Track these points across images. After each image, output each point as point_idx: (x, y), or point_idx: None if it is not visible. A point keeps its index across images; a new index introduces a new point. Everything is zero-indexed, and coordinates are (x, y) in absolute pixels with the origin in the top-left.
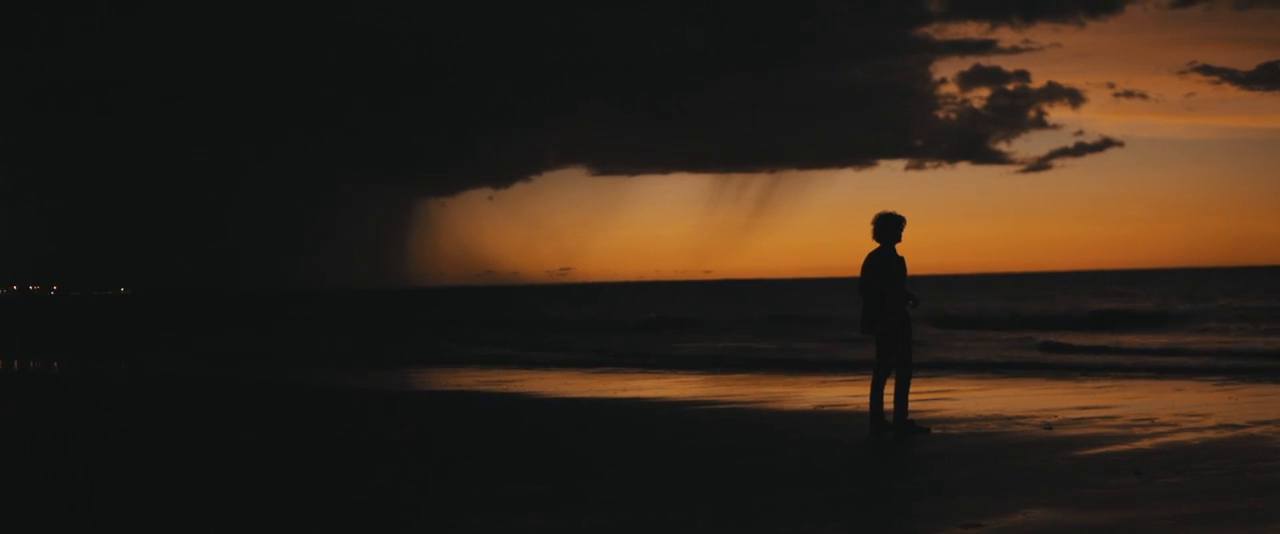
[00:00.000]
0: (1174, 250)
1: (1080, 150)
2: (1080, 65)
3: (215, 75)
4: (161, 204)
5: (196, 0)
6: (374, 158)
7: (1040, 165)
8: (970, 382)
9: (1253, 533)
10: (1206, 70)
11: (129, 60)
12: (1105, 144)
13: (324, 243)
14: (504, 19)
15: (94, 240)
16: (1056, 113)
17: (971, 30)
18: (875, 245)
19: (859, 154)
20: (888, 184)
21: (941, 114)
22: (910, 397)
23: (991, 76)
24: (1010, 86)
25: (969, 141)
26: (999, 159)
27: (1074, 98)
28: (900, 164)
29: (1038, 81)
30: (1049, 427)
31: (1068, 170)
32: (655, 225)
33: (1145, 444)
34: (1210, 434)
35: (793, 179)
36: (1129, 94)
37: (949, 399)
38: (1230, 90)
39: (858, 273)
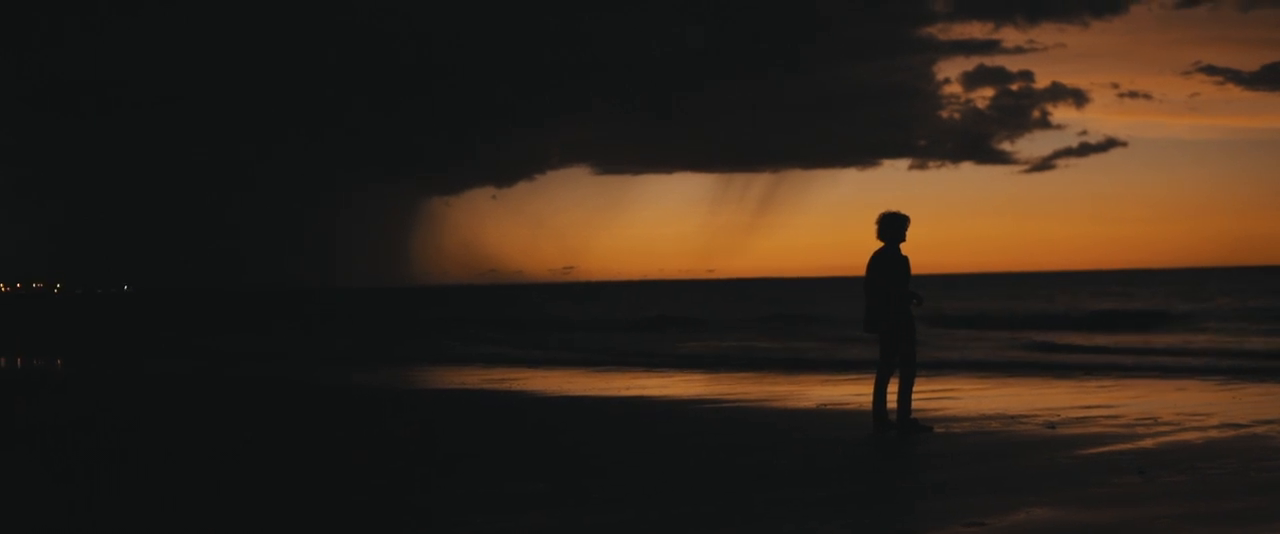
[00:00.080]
0: (1177, 250)
1: (1084, 150)
2: (1084, 65)
3: (215, 75)
4: (162, 204)
5: (196, 0)
6: (374, 158)
7: (1044, 165)
8: (973, 381)
9: (1256, 532)
10: (1211, 71)
11: (129, 60)
12: (1109, 144)
13: (325, 242)
14: (504, 19)
15: (95, 239)
16: (1060, 113)
17: (976, 30)
18: (879, 245)
19: (862, 153)
20: (891, 184)
21: (945, 114)
22: (913, 395)
23: (995, 76)
24: (1014, 86)
25: (973, 141)
26: (1003, 159)
27: (1078, 98)
28: (904, 164)
29: (1042, 81)
30: (1052, 426)
31: (1072, 170)
32: (658, 224)
33: (1148, 443)
34: (1213, 433)
35: (796, 178)
36: (1133, 94)
37: (952, 398)
38: (1234, 91)
39: (862, 272)
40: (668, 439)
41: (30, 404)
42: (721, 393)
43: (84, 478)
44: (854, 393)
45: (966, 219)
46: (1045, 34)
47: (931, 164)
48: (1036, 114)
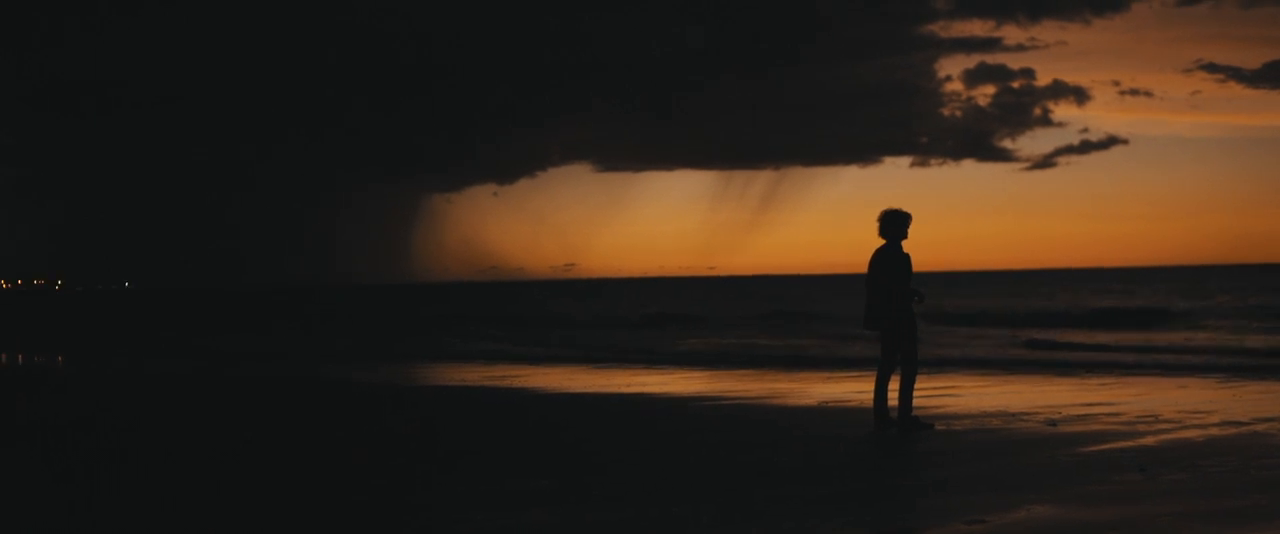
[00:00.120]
0: (1178, 248)
1: (1085, 148)
2: (1086, 63)
3: (215, 75)
4: (162, 203)
5: (196, 0)
6: (374, 158)
7: (1045, 163)
8: (974, 378)
9: (1257, 530)
10: (1212, 68)
11: (129, 60)
12: (1110, 142)
13: (325, 241)
14: (504, 19)
15: (95, 238)
16: (1062, 110)
17: (977, 28)
18: (881, 242)
19: (864, 151)
20: (893, 181)
21: (947, 111)
22: (914, 393)
23: (997, 74)
24: (1015, 84)
25: (974, 139)
26: (1004, 156)
27: (1079, 95)
28: (905, 161)
29: (1043, 79)
30: (1053, 423)
31: (1073, 168)
32: (660, 221)
33: (1149, 441)
34: (1214, 431)
35: (797, 176)
36: (1134, 92)
37: (953, 395)
38: (1236, 88)
39: (863, 270)
40: (668, 436)
41: (31, 402)
42: (722, 390)
43: (84, 477)
44: (855, 390)
45: (968, 217)
46: (1047, 31)
47: (933, 162)
48: (1038, 112)
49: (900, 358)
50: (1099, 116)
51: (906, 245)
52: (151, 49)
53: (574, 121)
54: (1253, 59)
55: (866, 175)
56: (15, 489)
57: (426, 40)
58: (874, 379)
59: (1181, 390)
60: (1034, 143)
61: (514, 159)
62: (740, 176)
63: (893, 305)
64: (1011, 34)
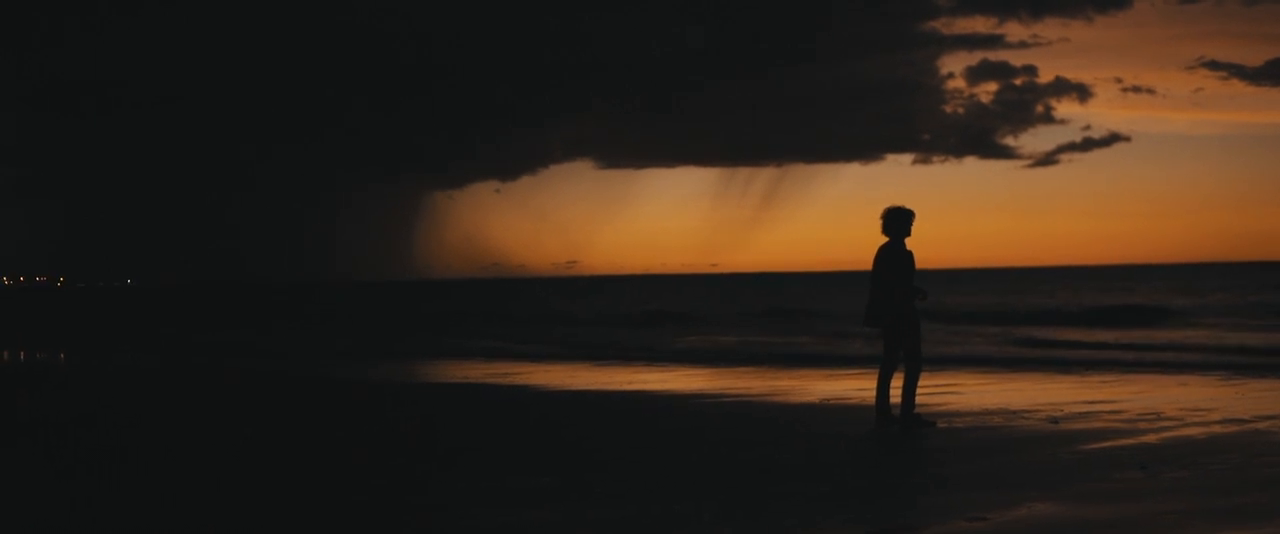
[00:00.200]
0: (1180, 246)
1: (1088, 145)
2: (1088, 60)
3: (215, 75)
4: (163, 203)
5: (196, 0)
6: (374, 157)
7: (1047, 160)
8: (975, 376)
9: (1259, 527)
10: (1214, 66)
11: (129, 60)
12: (1113, 139)
13: (326, 238)
14: (504, 19)
15: (96, 237)
16: (1064, 108)
17: (979, 25)
18: (883, 240)
19: (866, 148)
20: (895, 178)
21: (949, 109)
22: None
23: (999, 71)
24: (1018, 81)
25: (976, 136)
26: (1006, 154)
27: (1081, 93)
28: (907, 158)
29: (1045, 76)
30: (1054, 421)
31: (1075, 165)
32: (662, 219)
33: (1150, 439)
34: (1216, 429)
35: (799, 173)
36: (1136, 89)
37: (954, 393)
38: (1238, 86)
39: (865, 267)
40: (670, 434)
41: (32, 399)
42: (723, 388)
43: (85, 474)
44: (856, 388)
45: (970, 214)
46: (1049, 29)
47: (935, 159)
48: (1040, 109)
49: (903, 355)
50: (1101, 114)
51: (909, 243)
52: (151, 49)
53: (573, 121)
54: (1255, 56)
55: (868, 173)
56: (16, 486)
57: (426, 40)
58: (876, 376)
59: (1183, 388)
60: (1036, 140)
61: (515, 156)
62: (742, 174)
63: (895, 303)
64: (1014, 31)
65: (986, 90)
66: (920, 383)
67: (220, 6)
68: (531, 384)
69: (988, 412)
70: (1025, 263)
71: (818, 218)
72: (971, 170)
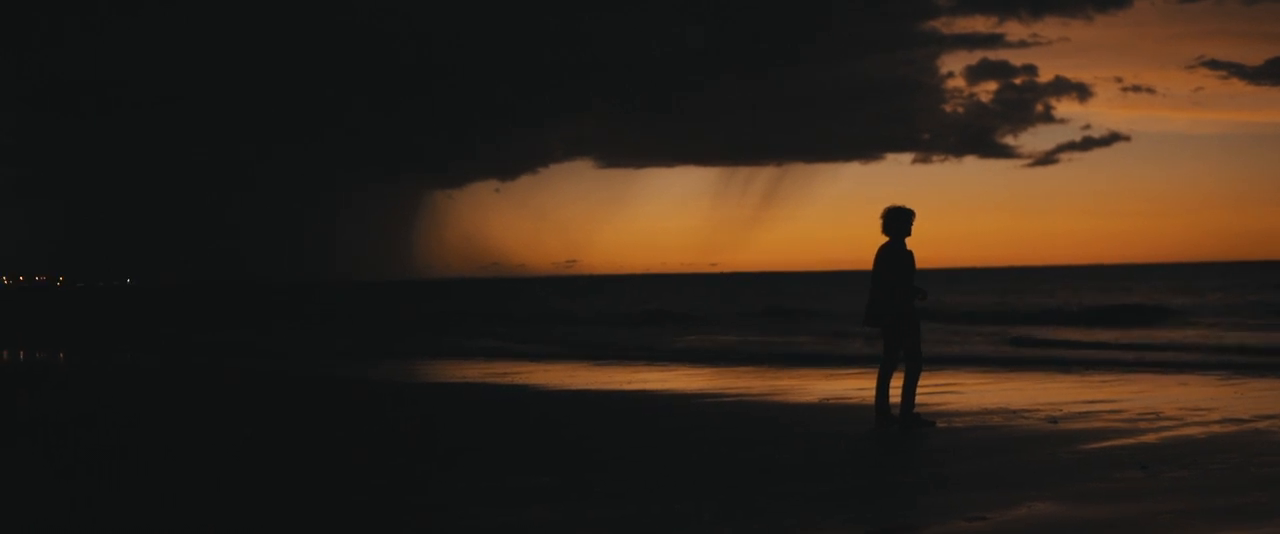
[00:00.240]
0: (1181, 245)
1: (1087, 144)
2: (1088, 59)
3: (215, 75)
4: (163, 203)
5: (196, 0)
6: (374, 157)
7: (1047, 159)
8: (975, 375)
9: (1258, 527)
10: (1214, 65)
11: (129, 60)
12: (1113, 138)
13: (326, 238)
14: (504, 19)
15: (96, 237)
16: (1064, 107)
17: (979, 24)
18: (883, 239)
19: (866, 147)
20: (894, 178)
21: (949, 108)
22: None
23: (999, 70)
24: (1017, 80)
25: (976, 135)
26: (1006, 153)
27: (1081, 92)
28: (907, 158)
29: (1045, 75)
30: (1054, 421)
31: (1075, 164)
32: (661, 218)
33: (1150, 438)
34: (1215, 428)
35: (799, 172)
36: (1136, 88)
37: (954, 393)
38: (1238, 85)
39: (864, 267)
40: (670, 434)
41: (32, 399)
42: (723, 387)
43: (85, 474)
44: (855, 387)
45: (970, 213)
46: (1049, 28)
47: (935, 158)
48: (1040, 108)
49: (903, 355)
50: (1101, 113)
51: (910, 242)
52: (151, 49)
53: (573, 121)
54: (1255, 55)
55: (868, 172)
56: (16, 486)
57: (426, 40)
58: (875, 376)
59: (1183, 388)
60: (1036, 139)
61: (515, 156)
62: (742, 173)
63: (895, 302)
64: (1014, 30)
65: (986, 89)
66: (920, 383)
67: (220, 6)
68: (531, 384)
69: (987, 411)
70: (1025, 262)
71: (817, 217)
72: (971, 170)
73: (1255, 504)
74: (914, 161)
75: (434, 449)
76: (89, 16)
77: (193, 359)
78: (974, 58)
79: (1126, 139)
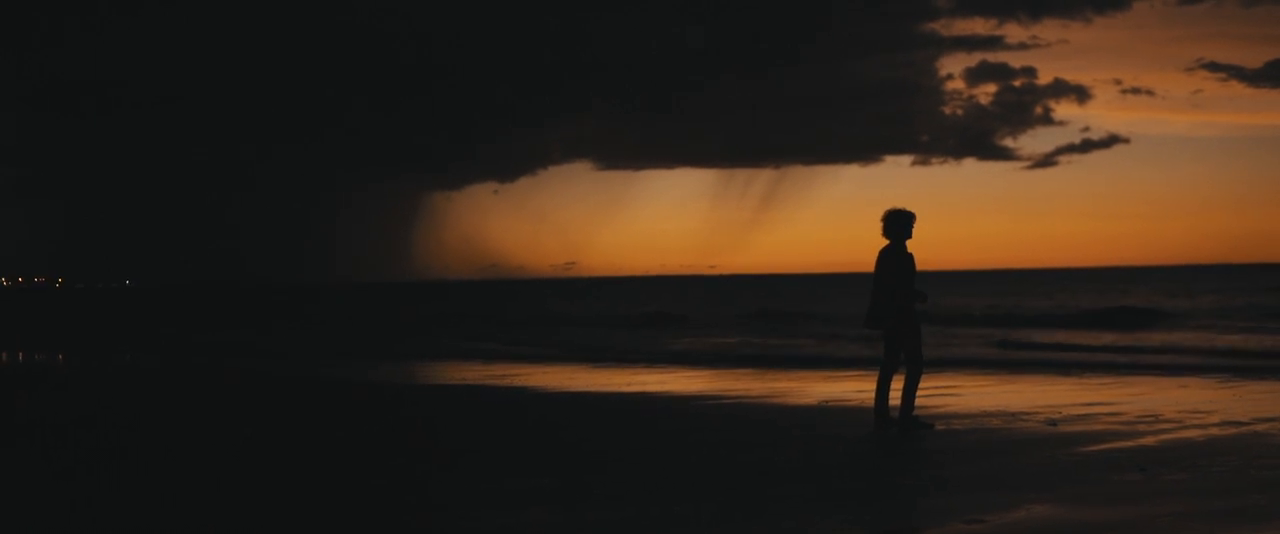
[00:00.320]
0: (1180, 247)
1: (1087, 147)
2: (1087, 61)
3: (215, 75)
4: (162, 203)
5: (196, 0)
6: (374, 157)
7: (1046, 162)
8: (973, 378)
9: (1257, 530)
10: (1213, 67)
11: (129, 60)
12: (1112, 140)
13: (326, 239)
14: (504, 19)
15: (96, 237)
16: (1063, 109)
17: (978, 26)
18: (884, 242)
19: (865, 150)
20: (894, 180)
21: (948, 110)
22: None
23: (998, 72)
24: (1017, 83)
25: (975, 138)
26: (1005, 155)
27: (1081, 94)
28: (906, 160)
29: (1044, 78)
30: (1053, 423)
31: (1074, 167)
32: (660, 220)
33: (1149, 441)
34: (1214, 431)
35: (798, 174)
36: (1136, 91)
37: (953, 395)
38: (1237, 87)
39: (862, 269)
40: (669, 435)
41: (31, 400)
42: (722, 389)
43: (85, 475)
44: (854, 389)
45: (969, 216)
46: (1048, 30)
47: (934, 160)
48: (1039, 110)
49: (904, 357)
50: (1100, 115)
51: (910, 245)
52: (151, 49)
53: (574, 120)
54: (1254, 58)
55: (867, 174)
56: (15, 487)
57: (426, 40)
58: (874, 378)
59: (1182, 390)
60: (1035, 142)
61: (514, 157)
62: (741, 175)
63: (895, 304)
64: (1013, 32)
65: (985, 92)
66: (919, 385)
67: (220, 6)
68: (530, 385)
69: (986, 414)
70: (1024, 265)
71: (816, 219)
72: (970, 172)
73: (1254, 507)
74: (913, 164)
75: (434, 450)
76: (89, 16)
77: (193, 359)
78: (973, 60)
79: (1126, 141)
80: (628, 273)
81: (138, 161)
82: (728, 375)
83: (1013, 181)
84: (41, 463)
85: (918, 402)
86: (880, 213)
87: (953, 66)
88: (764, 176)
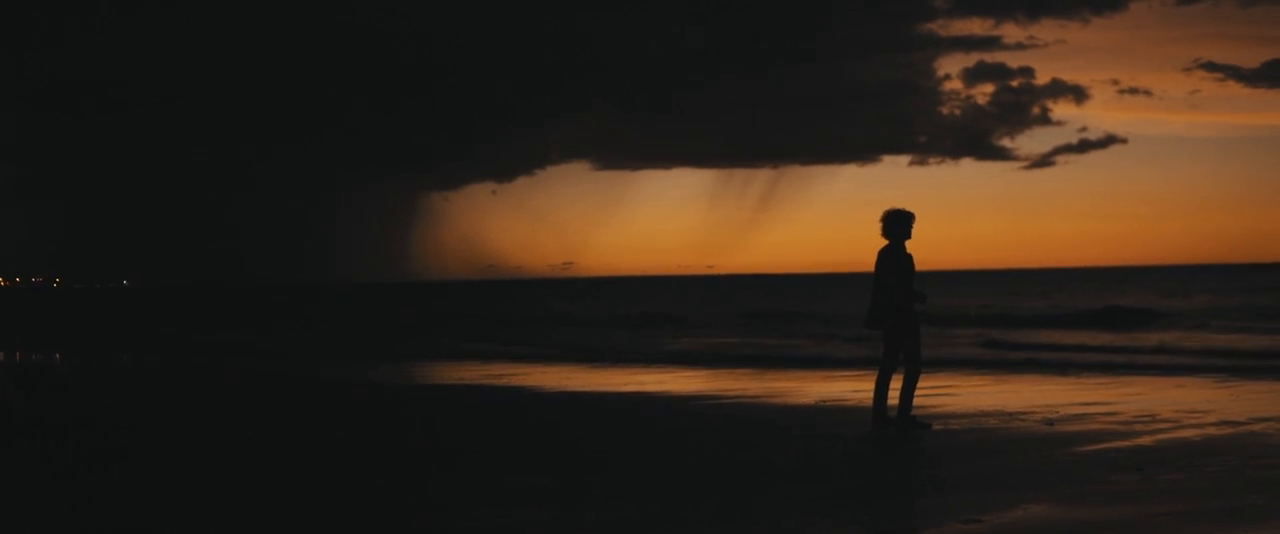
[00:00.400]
0: (1177, 247)
1: (1084, 147)
2: (1085, 62)
3: (215, 75)
4: (162, 203)
5: (196, 0)
6: (374, 157)
7: (1044, 162)
8: (971, 378)
9: (1254, 530)
10: (1211, 67)
11: (129, 60)
12: (1109, 141)
13: (325, 239)
14: (504, 19)
15: (95, 237)
16: (1061, 109)
17: (976, 26)
18: (882, 242)
19: (862, 150)
20: (891, 180)
21: (945, 110)
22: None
23: (996, 73)
24: (1014, 83)
25: (973, 138)
26: (1003, 155)
27: (1078, 94)
28: (904, 160)
29: (1042, 78)
30: (1050, 423)
31: (1072, 167)
32: (658, 220)
33: (1146, 441)
34: (1211, 431)
35: (796, 174)
36: (1133, 91)
37: (950, 394)
38: (1235, 87)
39: (861, 269)
40: (668, 435)
41: (30, 400)
42: (721, 389)
43: (85, 475)
44: (853, 389)
45: (966, 216)
46: (1046, 30)
47: (931, 160)
48: (1037, 110)
49: (903, 358)
50: (1098, 115)
51: (909, 245)
52: (151, 49)
53: (574, 120)
54: (1252, 58)
55: (865, 174)
56: (15, 487)
57: (426, 40)
58: (872, 378)
59: (1178, 390)
60: (1032, 142)
61: (513, 157)
62: (739, 175)
63: (894, 304)
64: (1010, 32)
65: (983, 92)
66: (917, 385)
67: (220, 6)
68: (529, 385)
69: (984, 414)
70: (1022, 265)
71: (814, 219)
72: (968, 172)
73: (1251, 506)
74: (911, 164)
75: (433, 450)
76: (89, 16)
77: (192, 359)
78: (971, 60)
79: (1123, 141)
80: (626, 273)
81: (138, 161)
82: (726, 375)
83: (1010, 182)
84: (41, 463)
85: (915, 401)
86: (878, 213)
87: (950, 67)
88: (762, 176)
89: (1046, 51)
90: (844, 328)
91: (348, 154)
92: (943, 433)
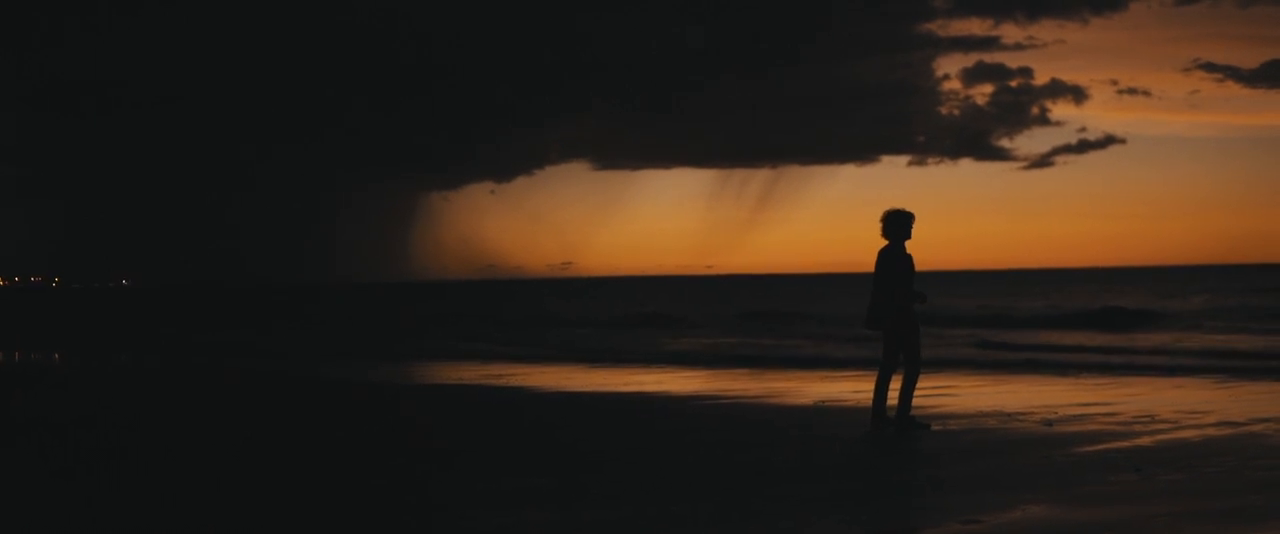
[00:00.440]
0: (1177, 247)
1: (1083, 147)
2: (1084, 62)
3: (215, 75)
4: (162, 202)
5: (196, 0)
6: (374, 157)
7: (1043, 162)
8: (970, 378)
9: (1253, 530)
10: (1210, 67)
11: (129, 60)
12: (1108, 141)
13: (325, 239)
14: (504, 19)
15: (95, 237)
16: (1060, 109)
17: (975, 26)
18: (881, 242)
19: (861, 150)
20: (890, 180)
21: (944, 110)
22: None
23: (995, 73)
24: (1013, 83)
25: (972, 138)
26: (1002, 155)
27: (1077, 95)
28: (903, 160)
29: (1041, 78)
30: (1049, 423)
31: (1071, 167)
32: (657, 220)
33: (1145, 441)
34: (1211, 431)
35: (795, 174)
36: (1132, 91)
37: (949, 395)
38: (1234, 88)
39: (859, 269)
40: (665, 436)
41: (30, 400)
42: (719, 389)
43: (84, 475)
44: (851, 390)
45: (965, 216)
46: (1045, 30)
47: (930, 161)
48: (1035, 111)
49: (903, 358)
50: (1097, 116)
51: (909, 245)
52: (151, 49)
53: (574, 120)
54: (1251, 58)
55: (864, 174)
56: (14, 487)
57: (426, 40)
58: (870, 379)
59: (1178, 391)
60: (1031, 142)
61: (512, 157)
62: (738, 175)
63: (894, 305)
64: (1010, 33)
65: (982, 92)
66: (917, 386)
67: (220, 6)
68: (527, 386)
69: (982, 414)
70: (1021, 265)
71: (813, 220)
72: (967, 172)
73: (1251, 507)
74: (909, 164)
75: (432, 450)
76: (89, 16)
77: (192, 359)
78: (970, 60)
79: (1122, 142)
80: (625, 273)
81: (138, 161)
82: (724, 375)
83: (1009, 182)
84: (41, 463)
85: (914, 402)
86: (877, 213)
87: (949, 67)
88: (761, 176)
89: (1046, 52)
90: (843, 328)
91: (348, 154)
92: (941, 433)
